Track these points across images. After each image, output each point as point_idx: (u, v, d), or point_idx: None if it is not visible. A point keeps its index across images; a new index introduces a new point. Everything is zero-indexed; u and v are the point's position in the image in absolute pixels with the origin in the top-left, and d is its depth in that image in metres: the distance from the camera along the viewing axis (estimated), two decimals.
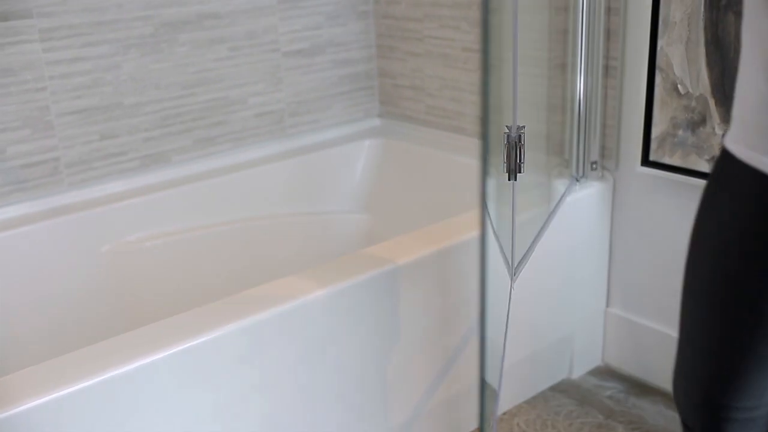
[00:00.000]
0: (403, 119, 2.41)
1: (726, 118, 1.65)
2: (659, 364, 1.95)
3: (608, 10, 1.81)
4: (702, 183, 1.70)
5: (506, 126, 1.27)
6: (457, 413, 1.80)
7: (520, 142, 1.24)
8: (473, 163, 2.17)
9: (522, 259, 1.50)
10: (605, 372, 2.04)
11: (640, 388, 1.97)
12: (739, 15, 1.59)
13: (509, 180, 1.24)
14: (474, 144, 2.23)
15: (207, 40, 2.07)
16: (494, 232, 1.28)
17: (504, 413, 1.90)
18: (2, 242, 1.82)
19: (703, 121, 1.68)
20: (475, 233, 1.72)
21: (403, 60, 2.34)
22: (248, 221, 2.18)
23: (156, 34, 1.98)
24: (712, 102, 1.66)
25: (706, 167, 1.70)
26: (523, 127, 1.27)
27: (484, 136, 1.05)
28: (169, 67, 2.02)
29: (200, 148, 2.13)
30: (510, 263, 1.41)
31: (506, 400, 1.92)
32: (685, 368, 1.15)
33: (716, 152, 1.68)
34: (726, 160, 1.03)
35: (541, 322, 1.91)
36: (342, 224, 2.35)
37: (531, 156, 2.07)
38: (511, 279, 1.45)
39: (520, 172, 1.25)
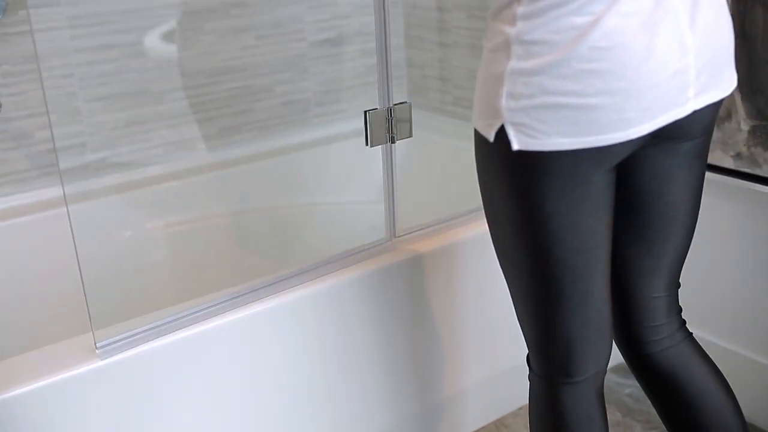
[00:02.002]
0: (430, 110, 2.40)
1: (752, 113, 1.61)
2: None
3: None
4: (726, 180, 1.68)
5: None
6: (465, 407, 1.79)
7: (389, 115, 1.52)
8: None
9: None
10: (626, 369, 1.98)
11: None
12: (767, 7, 1.55)
13: (366, 145, 1.53)
14: None
15: (233, 28, 2.08)
16: None
17: (520, 408, 1.88)
18: (28, 226, 1.86)
19: (728, 116, 1.64)
20: None
21: (431, 50, 2.33)
22: (272, 210, 2.20)
23: (182, 22, 2.00)
24: (737, 97, 1.62)
25: (731, 163, 1.66)
26: (402, 102, 1.55)
27: None
28: (195, 55, 2.04)
29: (225, 136, 2.15)
30: (389, 227, 1.63)
31: (523, 395, 1.90)
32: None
33: (741, 148, 1.64)
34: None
35: None
36: (366, 214, 2.35)
37: None
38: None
39: (391, 142, 1.55)
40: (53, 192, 1.92)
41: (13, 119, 1.83)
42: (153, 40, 1.96)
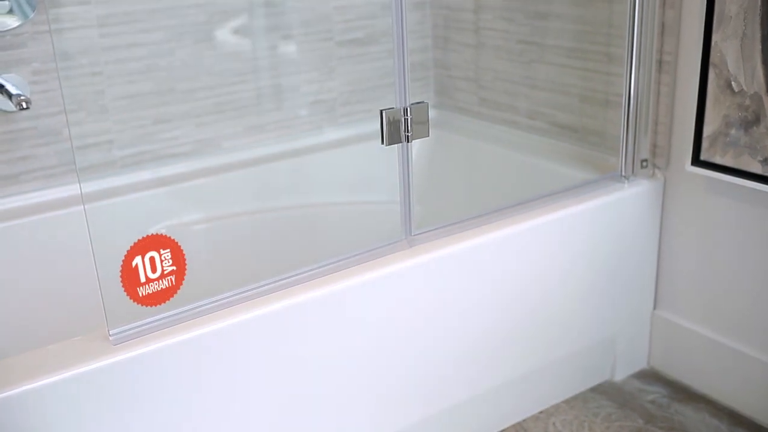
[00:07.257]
0: (456, 111, 2.39)
1: None
2: (707, 371, 1.88)
3: (663, 3, 1.76)
4: (754, 185, 1.65)
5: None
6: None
7: (405, 115, 1.55)
8: (524, 159, 2.14)
9: None
10: (650, 375, 1.99)
11: (685, 393, 1.91)
12: None
13: (382, 143, 1.58)
14: (525, 138, 2.19)
15: (260, 27, 2.09)
16: None
17: (541, 412, 1.87)
18: (55, 221, 1.88)
19: (756, 120, 1.61)
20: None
21: (457, 51, 2.32)
22: (297, 209, 2.20)
23: (210, 21, 2.01)
24: (767, 100, 1.59)
25: (758, 168, 1.63)
26: (418, 102, 1.56)
27: None
28: (222, 53, 2.05)
29: (251, 135, 2.16)
30: (405, 226, 1.68)
31: (544, 399, 1.89)
32: None
33: None
34: None
35: (584, 320, 1.87)
36: (391, 215, 2.35)
37: (571, 150, 2.03)
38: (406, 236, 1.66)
39: (407, 141, 1.58)
40: (79, 188, 1.94)
41: (43, 116, 1.86)
42: (180, 39, 1.98)
